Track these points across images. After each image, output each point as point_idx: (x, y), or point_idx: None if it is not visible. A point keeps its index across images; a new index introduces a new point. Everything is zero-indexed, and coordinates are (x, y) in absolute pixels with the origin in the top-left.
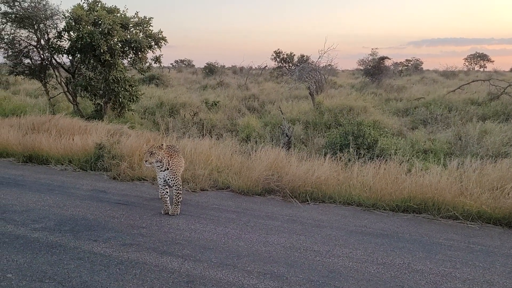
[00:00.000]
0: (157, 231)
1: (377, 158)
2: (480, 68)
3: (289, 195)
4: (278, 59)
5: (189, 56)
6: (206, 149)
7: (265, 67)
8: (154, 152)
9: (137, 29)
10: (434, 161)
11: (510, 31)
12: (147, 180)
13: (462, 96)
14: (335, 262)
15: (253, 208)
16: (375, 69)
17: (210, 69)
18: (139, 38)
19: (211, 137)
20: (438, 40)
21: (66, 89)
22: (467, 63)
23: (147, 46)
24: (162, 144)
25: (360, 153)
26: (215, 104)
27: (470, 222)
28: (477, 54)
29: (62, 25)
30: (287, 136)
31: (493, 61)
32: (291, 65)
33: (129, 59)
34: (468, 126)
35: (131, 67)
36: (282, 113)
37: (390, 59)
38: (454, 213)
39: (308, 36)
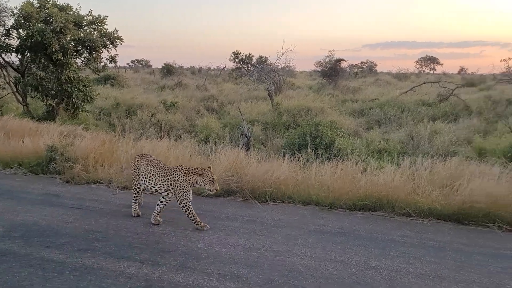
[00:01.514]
0: (114, 236)
1: (334, 158)
2: (430, 70)
3: (249, 196)
4: (237, 60)
5: (147, 56)
6: (164, 150)
7: (224, 68)
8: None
9: (91, 28)
10: (388, 160)
11: (458, 36)
12: (102, 183)
13: (414, 97)
14: (294, 261)
15: (213, 209)
16: (331, 71)
17: (168, 70)
18: (93, 37)
19: (170, 138)
20: (391, 43)
21: (15, 89)
22: (418, 66)
23: (101, 45)
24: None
25: (318, 153)
26: (174, 105)
27: (422, 219)
28: (428, 57)
29: (10, 22)
30: (246, 137)
31: (442, 64)
32: (249, 66)
33: (83, 59)
34: (419, 126)
35: (85, 67)
36: (241, 114)
37: (346, 61)
38: (407, 211)
39: (266, 38)
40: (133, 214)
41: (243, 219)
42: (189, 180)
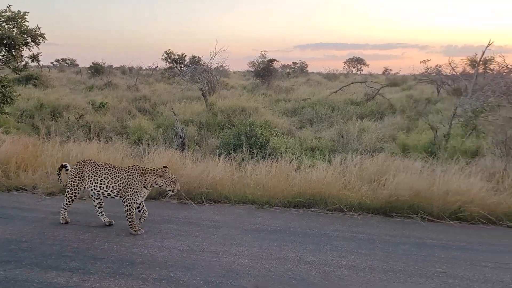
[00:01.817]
0: (40, 245)
1: (269, 157)
2: (357, 71)
3: (184, 197)
4: (169, 60)
5: (73, 55)
6: (94, 153)
7: (155, 67)
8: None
9: (10, 24)
10: (321, 158)
11: (381, 38)
12: (26, 190)
13: (343, 96)
14: (232, 261)
15: (156, 213)
16: (264, 71)
17: (97, 69)
18: (13, 34)
19: (100, 141)
20: (321, 44)
21: None
22: (346, 66)
23: (22, 43)
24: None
25: (253, 152)
26: (103, 106)
27: (353, 213)
28: (355, 58)
29: None
30: (180, 137)
31: (368, 64)
32: (182, 66)
33: (1, 57)
34: (349, 124)
35: (4, 66)
36: (175, 114)
37: (278, 61)
38: (339, 206)
39: (199, 37)
40: (61, 221)
41: (179, 221)
42: (144, 181)
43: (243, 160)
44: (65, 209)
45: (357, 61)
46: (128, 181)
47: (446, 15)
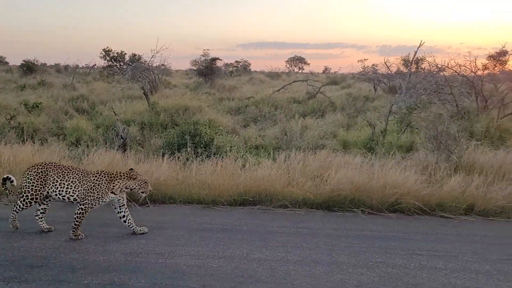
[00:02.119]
0: None
1: (214, 156)
2: (299, 70)
3: (127, 199)
4: (108, 58)
5: (2, 52)
6: (28, 156)
7: (93, 65)
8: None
9: None
10: (265, 155)
11: (322, 38)
12: None
13: (286, 95)
14: (178, 262)
15: (89, 216)
16: (207, 70)
17: (29, 67)
18: None
19: (34, 143)
20: (263, 43)
21: None
22: (288, 65)
23: None
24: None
25: (197, 151)
26: (37, 106)
27: (298, 209)
28: (296, 57)
29: None
30: (122, 138)
31: (309, 63)
32: (122, 64)
33: None
34: (291, 122)
35: None
36: (115, 114)
37: (221, 60)
38: (284, 202)
39: (139, 35)
40: (11, 226)
41: (122, 224)
42: (113, 187)
43: (187, 159)
44: (16, 212)
45: (299, 60)
46: (94, 185)
47: (380, 15)
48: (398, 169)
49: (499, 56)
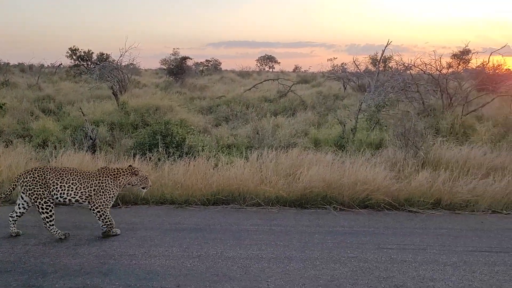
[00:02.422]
0: None
1: (186, 156)
2: (269, 68)
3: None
4: (74, 57)
5: None
6: None
7: (59, 65)
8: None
9: None
10: (238, 154)
11: (291, 37)
12: None
13: (257, 94)
14: (152, 263)
15: (59, 219)
16: (178, 69)
17: None
18: None
19: None
20: (234, 42)
21: None
22: (258, 64)
23: None
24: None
25: (169, 151)
26: (1, 107)
27: (271, 207)
28: (267, 56)
29: None
30: (91, 139)
31: (279, 62)
32: (89, 63)
33: None
34: (263, 121)
35: None
36: (84, 115)
37: (191, 59)
38: (257, 200)
39: (107, 33)
40: (61, 236)
41: (93, 227)
42: (119, 183)
43: (159, 159)
44: (52, 224)
45: (269, 59)
46: (103, 186)
47: (348, 15)
48: (368, 166)
49: (462, 55)
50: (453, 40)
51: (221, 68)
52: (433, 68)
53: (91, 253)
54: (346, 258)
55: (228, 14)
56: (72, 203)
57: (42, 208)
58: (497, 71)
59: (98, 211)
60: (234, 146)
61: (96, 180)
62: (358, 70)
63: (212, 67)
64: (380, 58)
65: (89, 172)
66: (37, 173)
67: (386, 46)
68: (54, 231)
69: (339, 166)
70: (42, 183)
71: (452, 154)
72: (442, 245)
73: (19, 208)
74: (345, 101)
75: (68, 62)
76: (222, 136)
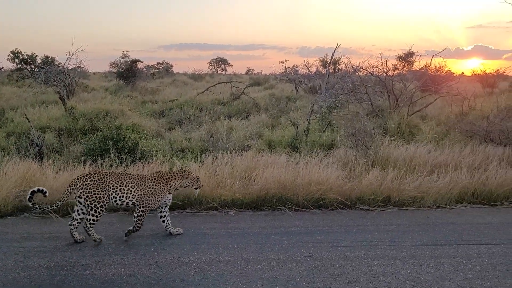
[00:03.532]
0: None
1: (139, 161)
2: (222, 71)
3: (47, 211)
4: (17, 60)
5: None
6: None
7: (1, 68)
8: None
9: None
10: (192, 158)
11: (244, 40)
12: None
13: (210, 97)
14: (107, 272)
15: (4, 231)
16: (128, 72)
17: None
18: None
19: None
20: (185, 45)
21: None
22: (211, 67)
23: None
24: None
25: (122, 157)
26: None
27: (227, 210)
28: (219, 59)
29: None
30: (37, 146)
31: (232, 65)
32: (33, 67)
33: None
34: (217, 124)
35: None
36: (29, 121)
37: (142, 62)
38: (214, 204)
39: (51, 36)
40: (99, 240)
41: (43, 237)
42: (170, 187)
43: (111, 165)
44: (92, 228)
45: (221, 62)
46: (153, 189)
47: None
48: (321, 166)
49: (407, 57)
50: (398, 43)
51: (173, 71)
52: (380, 70)
53: (41, 265)
54: (302, 257)
55: (179, 16)
56: (129, 206)
57: (95, 211)
58: (438, 72)
59: (142, 210)
60: (188, 150)
61: (150, 182)
62: (309, 72)
63: (164, 70)
64: (330, 61)
65: (144, 175)
66: (97, 176)
67: (336, 49)
68: (92, 234)
69: (293, 168)
70: (102, 186)
71: (399, 153)
72: (392, 240)
73: (78, 214)
74: (298, 103)
75: (9, 65)
76: (176, 140)
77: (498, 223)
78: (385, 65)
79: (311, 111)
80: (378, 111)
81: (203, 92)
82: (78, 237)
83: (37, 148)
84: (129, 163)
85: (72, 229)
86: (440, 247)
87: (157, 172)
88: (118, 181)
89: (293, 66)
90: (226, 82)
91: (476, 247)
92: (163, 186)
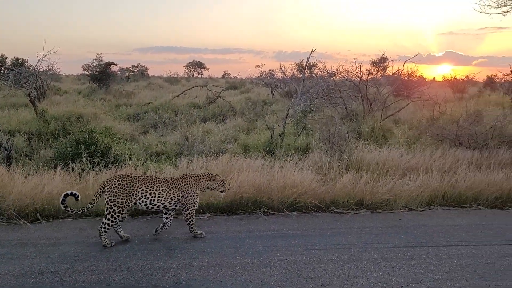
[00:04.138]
0: None
1: (112, 165)
2: (198, 74)
3: (15, 217)
4: None
5: None
6: None
7: None
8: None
9: None
10: (167, 162)
11: (220, 43)
12: None
13: (186, 100)
14: (76, 279)
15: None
16: (102, 75)
17: None
18: None
19: None
20: (161, 47)
21: None
22: (187, 70)
23: None
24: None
25: (94, 161)
26: None
27: (202, 214)
28: (195, 62)
29: None
30: (6, 150)
31: (208, 68)
32: (3, 69)
33: None
34: (192, 127)
35: None
36: None
37: (116, 64)
38: None
39: (23, 38)
40: (109, 245)
41: (11, 244)
42: (200, 186)
43: (83, 170)
44: (105, 232)
45: (198, 65)
46: (187, 190)
47: (275, 23)
48: (295, 170)
49: (380, 63)
50: (373, 49)
51: (148, 74)
52: (354, 75)
53: (9, 272)
54: (276, 261)
55: (155, 19)
56: (160, 209)
57: (112, 216)
58: (411, 78)
59: (189, 213)
60: (163, 153)
61: (182, 184)
62: (285, 77)
63: (139, 73)
64: (305, 65)
65: (173, 178)
66: (126, 180)
67: (311, 53)
68: (104, 238)
69: (268, 171)
70: (128, 191)
71: (373, 157)
72: (365, 243)
73: (167, 217)
74: (273, 107)
75: None
76: (150, 143)
77: (467, 225)
78: (359, 70)
79: (287, 115)
80: (353, 115)
81: (178, 96)
82: (124, 234)
83: (6, 152)
84: (101, 168)
85: (115, 227)
86: (412, 249)
87: (184, 174)
88: (147, 185)
89: (269, 70)
90: (202, 86)
91: (446, 248)
92: (194, 184)
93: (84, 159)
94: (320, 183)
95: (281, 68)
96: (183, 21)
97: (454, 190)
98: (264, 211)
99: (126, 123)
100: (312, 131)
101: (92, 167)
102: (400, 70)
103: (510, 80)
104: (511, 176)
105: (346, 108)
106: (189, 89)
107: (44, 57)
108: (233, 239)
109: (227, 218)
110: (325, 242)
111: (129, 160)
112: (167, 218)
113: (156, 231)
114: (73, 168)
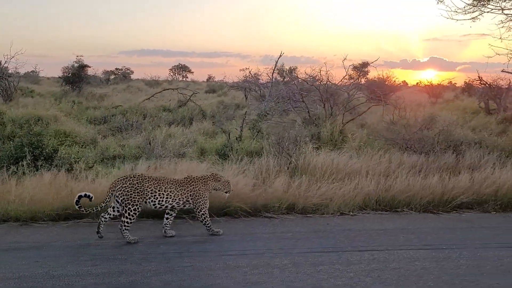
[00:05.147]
0: None
1: (56, 168)
2: (182, 78)
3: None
4: None
5: None
6: None
7: None
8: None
9: None
10: (117, 166)
11: (207, 47)
12: None
13: (158, 103)
14: None
15: None
16: (74, 77)
17: None
18: None
19: None
20: (147, 51)
21: None
22: (172, 73)
23: None
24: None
25: (37, 165)
26: None
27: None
28: (180, 66)
29: None
30: None
31: (193, 72)
32: None
33: None
34: (157, 131)
35: None
36: None
37: (90, 67)
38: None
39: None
40: (134, 241)
41: None
42: (208, 187)
43: (24, 173)
44: (127, 229)
45: (182, 69)
46: (196, 192)
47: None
48: (234, 174)
49: (361, 67)
50: (361, 54)
51: (131, 76)
52: (322, 78)
53: None
54: (181, 267)
55: (142, 22)
56: (168, 209)
57: (129, 214)
58: (386, 82)
59: (203, 214)
60: (120, 157)
61: (190, 185)
62: (260, 80)
63: (121, 76)
64: (274, 69)
65: (179, 179)
66: (136, 180)
67: (279, 57)
68: (127, 235)
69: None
70: (140, 190)
71: (320, 160)
72: (281, 248)
73: (113, 211)
74: (244, 110)
75: None
76: (109, 147)
77: (392, 229)
78: (321, 73)
79: (244, 118)
80: (315, 119)
81: (149, 99)
82: (101, 231)
83: None
84: (44, 171)
85: (102, 222)
86: (326, 254)
87: (188, 176)
88: (156, 186)
89: (255, 74)
90: (173, 89)
91: (360, 253)
92: (203, 187)
93: (25, 162)
94: (253, 187)
95: (250, 72)
96: (169, 25)
97: (387, 194)
98: (193, 216)
99: (91, 125)
100: (267, 135)
101: (36, 170)
102: (378, 76)
103: (483, 85)
104: (445, 179)
105: (308, 112)
106: (160, 92)
107: (11, 58)
108: (146, 245)
109: (152, 222)
110: (241, 248)
111: (76, 163)
112: (167, 218)
113: (165, 232)
114: (14, 171)
